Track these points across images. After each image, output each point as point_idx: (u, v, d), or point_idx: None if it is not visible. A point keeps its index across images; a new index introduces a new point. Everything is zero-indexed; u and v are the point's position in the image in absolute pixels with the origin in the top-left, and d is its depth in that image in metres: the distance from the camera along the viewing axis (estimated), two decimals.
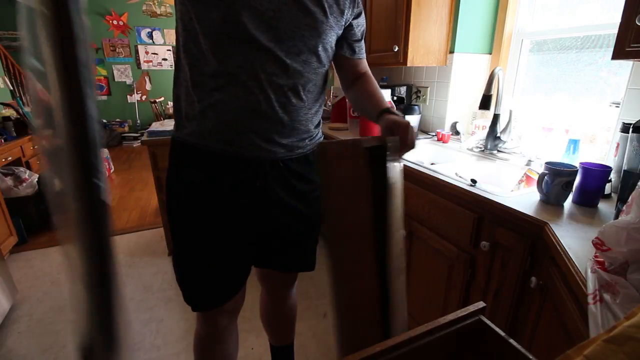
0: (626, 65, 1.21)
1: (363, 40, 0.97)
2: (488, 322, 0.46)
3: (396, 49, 1.79)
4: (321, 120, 0.96)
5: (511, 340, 0.42)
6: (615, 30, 0.89)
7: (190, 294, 0.92)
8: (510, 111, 1.53)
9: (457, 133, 1.88)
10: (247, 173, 0.84)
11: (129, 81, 5.97)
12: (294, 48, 0.79)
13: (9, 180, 2.58)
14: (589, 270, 0.63)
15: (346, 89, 1.01)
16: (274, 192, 0.88)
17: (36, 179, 2.72)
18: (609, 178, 0.99)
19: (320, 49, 0.83)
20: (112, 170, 4.28)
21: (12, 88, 3.98)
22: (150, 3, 5.91)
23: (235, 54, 0.75)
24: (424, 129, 2.11)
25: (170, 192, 0.90)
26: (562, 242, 0.77)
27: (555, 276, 0.79)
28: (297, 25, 0.77)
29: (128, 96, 6.01)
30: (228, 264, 0.90)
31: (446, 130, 1.92)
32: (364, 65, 0.99)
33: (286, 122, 0.83)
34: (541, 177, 0.98)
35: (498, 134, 1.55)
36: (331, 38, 0.85)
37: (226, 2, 0.71)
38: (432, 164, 1.49)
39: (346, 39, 0.92)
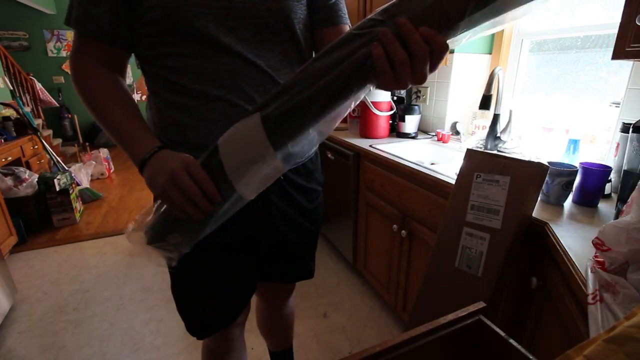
0: (626, 65, 1.21)
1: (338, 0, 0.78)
2: (488, 322, 0.46)
3: None
4: None
5: (511, 340, 0.41)
6: (615, 30, 0.89)
7: (195, 325, 0.87)
8: (510, 111, 1.53)
9: (457, 133, 1.88)
10: None
11: (129, 81, 5.97)
12: (263, 43, 0.68)
13: (9, 180, 2.58)
14: (589, 270, 0.63)
15: None
16: (276, 208, 0.83)
17: (36, 179, 2.72)
18: (609, 178, 0.99)
19: (296, 30, 0.71)
20: (112, 170, 4.28)
21: (12, 88, 3.98)
22: None
23: (206, 66, 0.66)
24: (424, 129, 2.11)
25: None
26: (562, 242, 0.77)
27: (555, 276, 0.79)
28: (255, 14, 0.65)
29: None
30: (234, 290, 0.86)
31: (446, 130, 1.92)
32: None
33: None
34: None
35: (498, 134, 1.55)
36: (303, 13, 0.72)
37: (172, 17, 0.62)
38: (432, 164, 1.50)
39: (315, 3, 0.75)
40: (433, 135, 1.94)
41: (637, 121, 0.88)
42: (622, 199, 0.86)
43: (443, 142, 1.80)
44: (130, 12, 0.65)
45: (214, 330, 0.88)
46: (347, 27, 0.79)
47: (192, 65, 0.67)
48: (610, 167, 0.97)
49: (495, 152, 1.55)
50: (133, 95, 6.04)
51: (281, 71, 0.71)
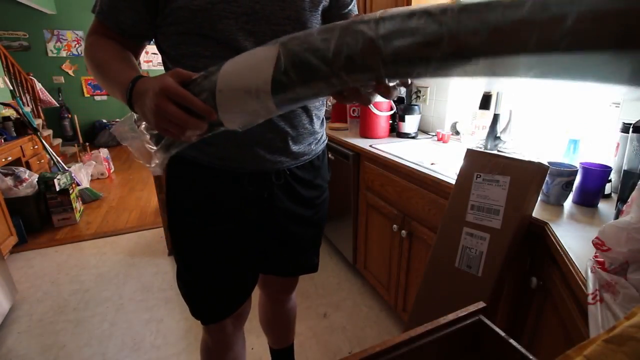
0: None
1: (353, 4, 0.83)
2: (488, 322, 0.46)
3: None
4: (324, 119, 0.92)
5: (511, 340, 0.41)
6: None
7: (200, 309, 0.90)
8: (510, 111, 1.53)
9: (457, 133, 1.88)
10: (252, 186, 0.81)
11: None
12: None
13: (9, 180, 2.58)
14: (589, 270, 0.63)
15: None
16: (281, 202, 0.86)
17: (36, 179, 2.72)
18: (609, 178, 0.99)
19: None
20: (112, 170, 4.28)
21: (12, 88, 3.98)
22: None
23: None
24: (424, 129, 2.11)
25: (173, 210, 0.85)
26: (562, 242, 0.77)
27: (555, 276, 0.79)
28: (274, 22, 0.69)
29: None
30: (238, 275, 0.88)
31: (446, 130, 1.92)
32: None
33: (288, 130, 0.78)
34: None
35: (498, 134, 1.55)
36: (318, 23, 0.77)
37: (198, 20, 0.65)
38: (432, 164, 1.49)
39: (329, 12, 0.79)
40: (433, 135, 1.94)
41: (637, 121, 0.88)
42: (622, 199, 0.86)
43: (443, 142, 1.80)
44: (155, 10, 0.68)
45: (218, 316, 0.90)
46: None
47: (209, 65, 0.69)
48: (610, 167, 0.97)
49: (495, 152, 1.55)
50: None
51: None
